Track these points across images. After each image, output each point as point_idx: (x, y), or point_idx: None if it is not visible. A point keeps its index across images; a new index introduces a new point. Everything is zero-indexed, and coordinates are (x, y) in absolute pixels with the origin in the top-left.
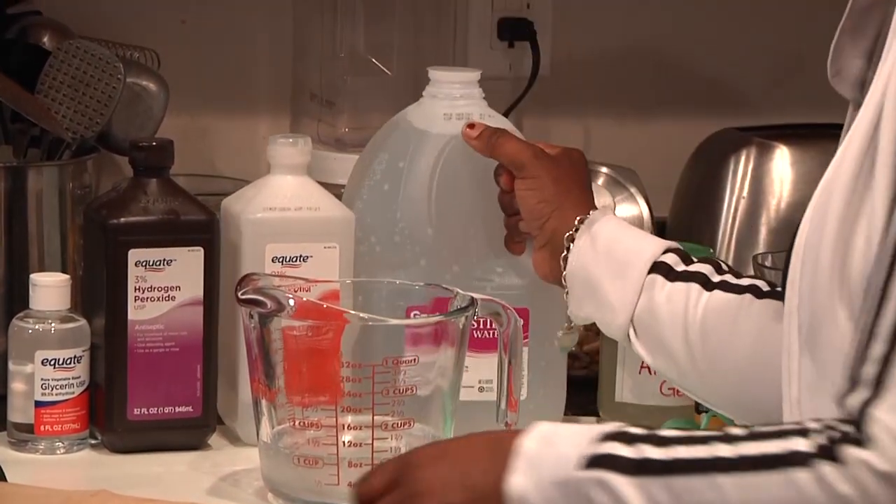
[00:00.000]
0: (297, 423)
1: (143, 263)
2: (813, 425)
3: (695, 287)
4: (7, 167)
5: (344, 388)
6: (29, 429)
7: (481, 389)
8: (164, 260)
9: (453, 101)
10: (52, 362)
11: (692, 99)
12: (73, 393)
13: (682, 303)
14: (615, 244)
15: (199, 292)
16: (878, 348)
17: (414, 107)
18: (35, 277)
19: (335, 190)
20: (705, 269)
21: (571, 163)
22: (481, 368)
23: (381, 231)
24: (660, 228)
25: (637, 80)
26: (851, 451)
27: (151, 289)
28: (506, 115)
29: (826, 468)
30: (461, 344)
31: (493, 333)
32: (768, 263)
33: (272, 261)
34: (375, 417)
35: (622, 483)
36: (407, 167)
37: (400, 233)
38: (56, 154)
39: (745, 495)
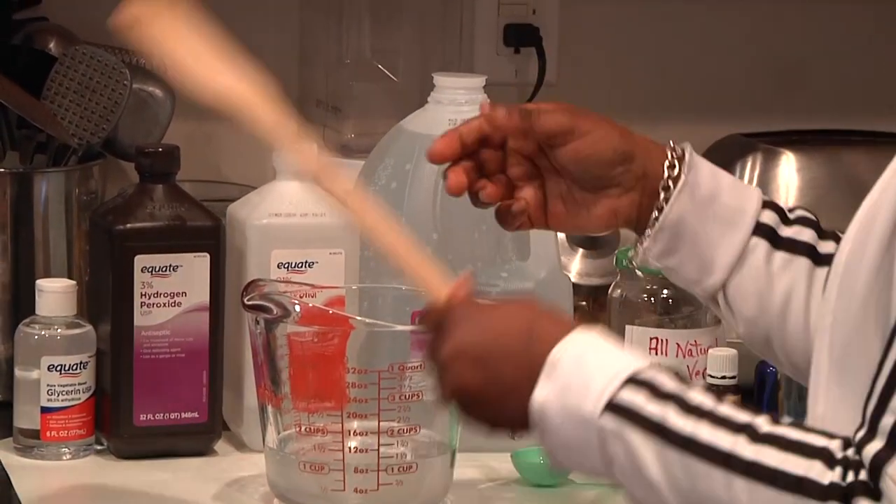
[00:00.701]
0: (302, 428)
1: (149, 269)
2: (838, 454)
3: (804, 263)
4: (13, 173)
5: (350, 393)
6: (35, 434)
7: None
8: (170, 266)
9: (458, 106)
10: (58, 368)
11: (698, 105)
12: (79, 399)
13: (791, 279)
14: (716, 196)
15: (205, 298)
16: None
17: (419, 112)
18: (41, 283)
19: None
20: (808, 235)
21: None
22: None
23: None
24: None
25: (643, 85)
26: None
27: (157, 294)
28: None
29: None
30: None
31: None
32: None
33: (278, 266)
34: (381, 423)
35: (640, 443)
36: (411, 173)
37: None
38: (62, 160)
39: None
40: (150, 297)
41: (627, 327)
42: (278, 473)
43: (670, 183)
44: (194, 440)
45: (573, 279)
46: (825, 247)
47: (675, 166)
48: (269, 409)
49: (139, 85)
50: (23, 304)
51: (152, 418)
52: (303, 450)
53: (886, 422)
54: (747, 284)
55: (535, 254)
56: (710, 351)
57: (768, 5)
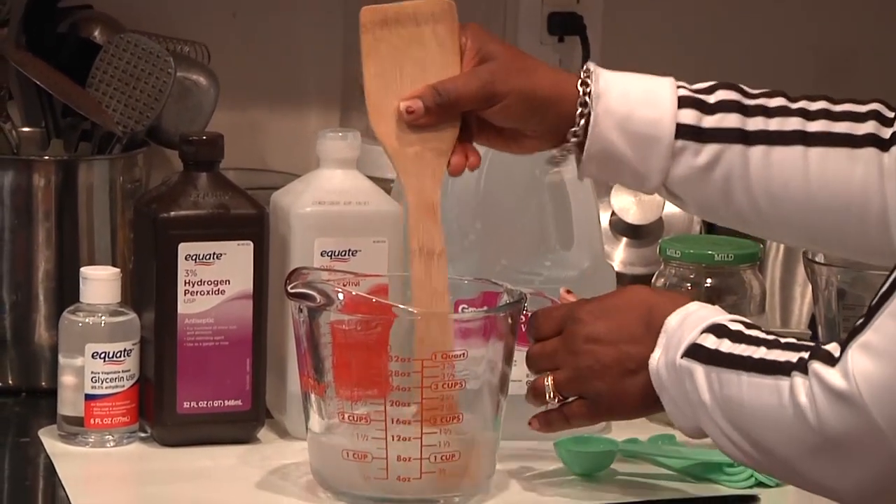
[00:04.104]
0: (345, 417)
1: (193, 257)
2: (825, 345)
3: (735, 149)
4: (58, 161)
5: (392, 382)
6: (79, 422)
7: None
8: (214, 254)
9: None
10: (102, 355)
11: None
12: (123, 386)
13: (727, 167)
14: (630, 115)
15: (248, 286)
16: (884, 286)
17: None
18: (85, 271)
19: (384, 184)
20: (733, 120)
21: (504, 45)
22: None
23: None
24: (708, 225)
25: (685, 74)
26: (816, 366)
27: (201, 282)
28: None
29: (798, 379)
30: (510, 338)
31: None
32: (818, 259)
33: (321, 255)
34: (424, 412)
35: (699, 372)
36: None
37: (448, 226)
38: (107, 148)
39: (750, 392)
40: (193, 285)
41: None
42: (321, 461)
43: (583, 120)
44: (237, 428)
45: (617, 268)
46: (753, 124)
47: (586, 103)
48: (313, 397)
49: (183, 73)
50: (67, 292)
51: (195, 406)
52: (346, 438)
53: (872, 301)
54: (684, 181)
55: (578, 243)
56: None
57: None
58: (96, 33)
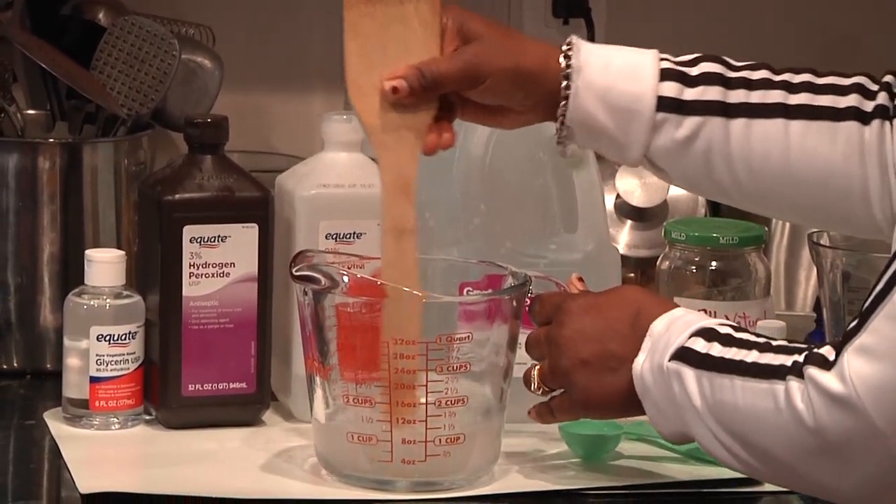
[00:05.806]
0: (350, 399)
1: (198, 240)
2: (816, 348)
3: (716, 122)
4: (63, 144)
5: (397, 364)
6: (84, 404)
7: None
8: (219, 236)
9: None
10: (107, 338)
11: None
12: (128, 369)
13: (707, 139)
14: (611, 88)
15: (253, 269)
16: (878, 286)
17: None
18: (90, 253)
19: None
20: (714, 93)
21: (487, 23)
22: None
23: (434, 207)
24: (713, 208)
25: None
26: (812, 371)
27: (206, 265)
28: None
29: (793, 383)
30: (515, 321)
31: None
32: (823, 241)
33: (326, 237)
34: (429, 394)
35: (689, 375)
36: (460, 143)
37: (453, 209)
38: (111, 131)
39: (745, 397)
40: (198, 268)
41: (675, 299)
42: (326, 444)
43: (567, 92)
44: (242, 410)
45: (621, 251)
46: (735, 96)
47: (569, 76)
48: (317, 379)
49: (188, 55)
50: (72, 275)
51: (200, 389)
52: (351, 421)
53: (864, 305)
54: (665, 153)
55: (583, 226)
56: (758, 323)
57: None
58: (101, 16)
